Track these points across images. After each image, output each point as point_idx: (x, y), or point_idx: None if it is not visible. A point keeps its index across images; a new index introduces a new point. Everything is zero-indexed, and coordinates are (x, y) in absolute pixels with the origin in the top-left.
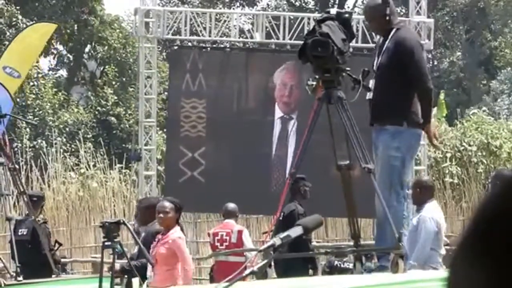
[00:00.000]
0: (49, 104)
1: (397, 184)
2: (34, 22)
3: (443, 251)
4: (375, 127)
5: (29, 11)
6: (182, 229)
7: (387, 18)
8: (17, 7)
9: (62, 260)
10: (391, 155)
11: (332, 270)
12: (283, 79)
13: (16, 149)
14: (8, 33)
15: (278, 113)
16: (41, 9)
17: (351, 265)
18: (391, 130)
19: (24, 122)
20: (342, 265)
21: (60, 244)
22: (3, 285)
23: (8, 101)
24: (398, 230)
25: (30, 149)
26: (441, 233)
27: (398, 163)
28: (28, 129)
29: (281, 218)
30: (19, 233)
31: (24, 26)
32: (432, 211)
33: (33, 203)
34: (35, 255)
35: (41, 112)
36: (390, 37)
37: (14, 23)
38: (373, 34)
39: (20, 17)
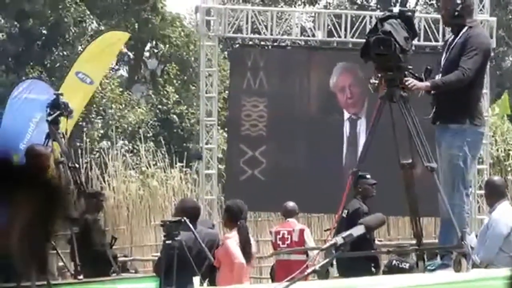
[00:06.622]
0: (114, 104)
1: (460, 183)
2: (97, 19)
3: None
4: (439, 126)
5: (91, 9)
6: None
7: (456, 12)
8: (80, 5)
9: (123, 258)
10: (454, 153)
11: (390, 269)
12: (338, 84)
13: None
14: (72, 31)
15: (347, 114)
16: (102, 7)
17: (407, 265)
18: (454, 128)
19: (93, 123)
20: (400, 265)
21: (115, 239)
22: None
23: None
24: (461, 228)
25: (97, 150)
26: None
27: (461, 161)
28: (97, 131)
29: (344, 216)
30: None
31: (90, 24)
32: (503, 212)
33: (99, 202)
34: (91, 252)
35: (107, 114)
36: (461, 34)
37: (80, 20)
38: (436, 32)
39: (87, 12)
